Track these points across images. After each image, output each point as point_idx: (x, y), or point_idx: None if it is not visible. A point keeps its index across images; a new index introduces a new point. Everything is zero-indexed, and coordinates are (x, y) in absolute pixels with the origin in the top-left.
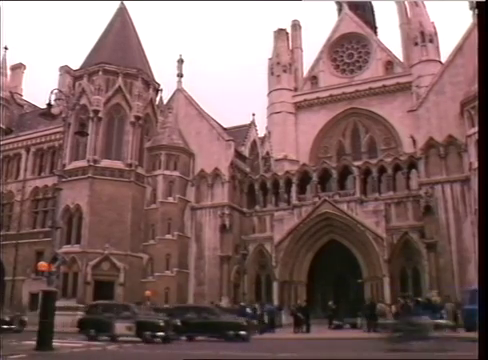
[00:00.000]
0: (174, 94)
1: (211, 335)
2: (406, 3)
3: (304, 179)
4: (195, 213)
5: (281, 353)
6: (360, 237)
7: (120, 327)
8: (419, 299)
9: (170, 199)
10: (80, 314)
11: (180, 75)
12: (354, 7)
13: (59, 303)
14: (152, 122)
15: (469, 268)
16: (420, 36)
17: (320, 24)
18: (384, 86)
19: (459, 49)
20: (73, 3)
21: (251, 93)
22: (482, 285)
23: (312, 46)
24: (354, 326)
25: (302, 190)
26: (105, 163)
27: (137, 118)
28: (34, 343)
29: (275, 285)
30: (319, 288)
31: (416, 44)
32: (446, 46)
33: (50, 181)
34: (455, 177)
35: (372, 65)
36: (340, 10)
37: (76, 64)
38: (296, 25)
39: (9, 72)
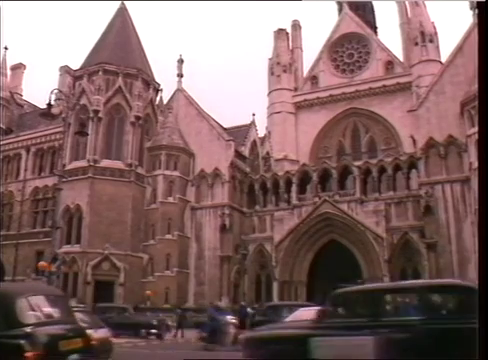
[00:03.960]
0: (174, 94)
1: None
2: (406, 3)
3: (304, 179)
4: (195, 213)
5: None
6: (360, 237)
7: None
8: None
9: (170, 199)
10: None
11: (180, 75)
12: (354, 7)
13: None
14: (152, 122)
15: (469, 268)
16: (420, 36)
17: (320, 24)
18: (384, 86)
19: (459, 49)
20: (73, 3)
21: (251, 93)
22: (482, 285)
23: (312, 46)
24: None
25: (302, 190)
26: (105, 163)
27: (137, 118)
28: None
29: (275, 285)
30: (319, 288)
31: (416, 44)
32: (446, 46)
33: (50, 181)
34: (455, 177)
35: (372, 65)
36: (340, 10)
37: (76, 64)
38: (296, 25)
39: (9, 72)
